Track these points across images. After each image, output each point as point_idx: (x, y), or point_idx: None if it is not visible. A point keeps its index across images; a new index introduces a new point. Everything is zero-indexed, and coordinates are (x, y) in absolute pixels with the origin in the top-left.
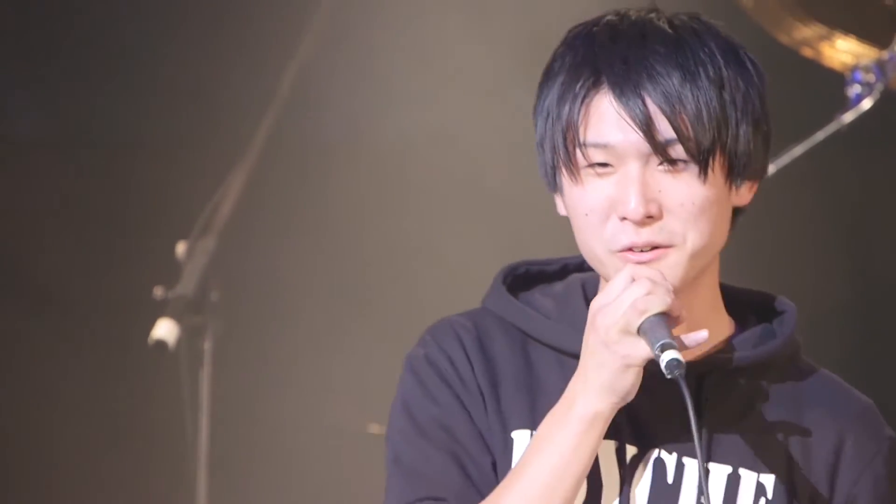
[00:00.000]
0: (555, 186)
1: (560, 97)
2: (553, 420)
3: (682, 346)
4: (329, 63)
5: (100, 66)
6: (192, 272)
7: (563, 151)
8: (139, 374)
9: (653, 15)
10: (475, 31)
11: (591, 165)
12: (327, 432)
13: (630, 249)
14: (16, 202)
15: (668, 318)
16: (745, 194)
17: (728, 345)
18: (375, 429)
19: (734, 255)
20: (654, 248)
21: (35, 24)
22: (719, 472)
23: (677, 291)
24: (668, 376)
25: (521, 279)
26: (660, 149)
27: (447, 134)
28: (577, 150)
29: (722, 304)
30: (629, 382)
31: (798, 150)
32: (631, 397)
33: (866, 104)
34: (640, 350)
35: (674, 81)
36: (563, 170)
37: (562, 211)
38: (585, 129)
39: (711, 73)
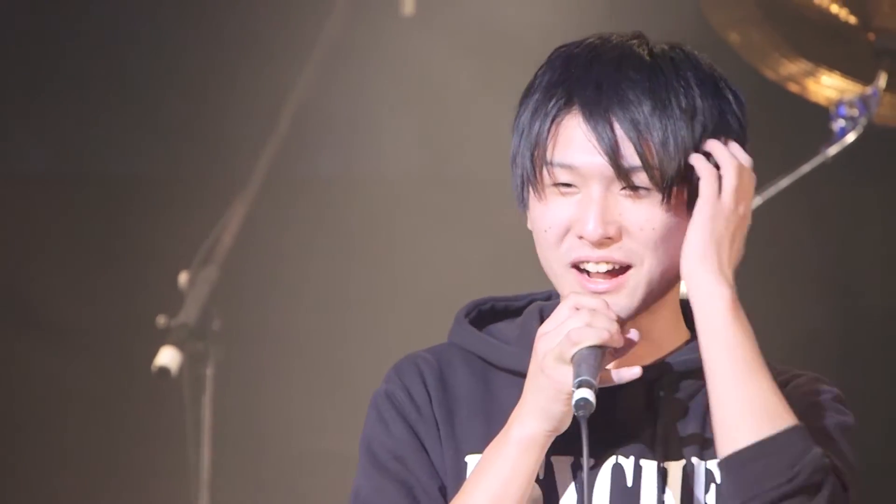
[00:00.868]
0: (522, 202)
1: (532, 114)
2: (494, 443)
3: (607, 379)
4: (326, 101)
5: (104, 99)
6: (194, 301)
7: (529, 168)
8: (143, 399)
9: (635, 41)
10: (470, 70)
11: (556, 185)
12: (327, 456)
13: (586, 272)
14: (23, 234)
15: (602, 351)
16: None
17: (679, 351)
18: None
19: None
20: (611, 271)
21: (37, 59)
22: (675, 468)
23: (637, 314)
24: (575, 414)
25: (489, 314)
26: (623, 174)
27: (441, 171)
28: (544, 168)
29: (681, 318)
30: (562, 409)
31: (784, 182)
32: (565, 425)
33: (850, 138)
34: (571, 379)
35: (644, 109)
36: (530, 186)
37: (529, 225)
38: (553, 148)
39: (684, 103)
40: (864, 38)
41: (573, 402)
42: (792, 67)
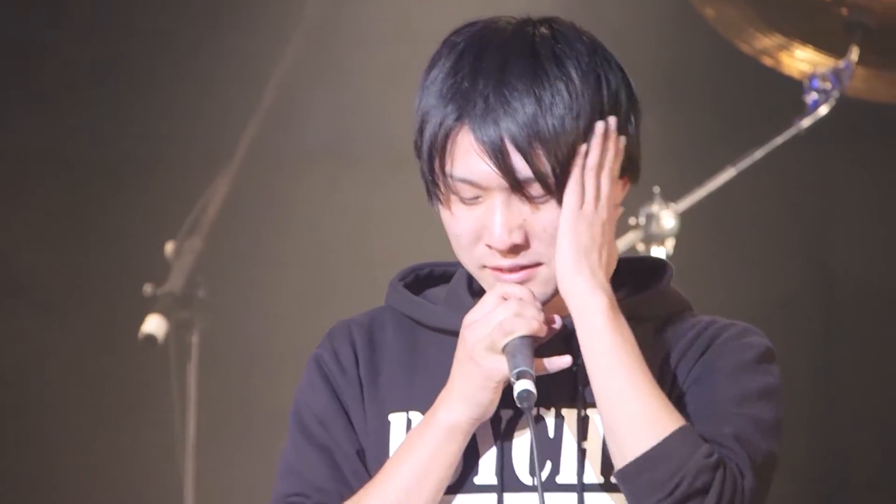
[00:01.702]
0: (430, 200)
1: (427, 122)
2: (419, 426)
3: (540, 368)
4: (310, 75)
5: (89, 75)
6: (180, 270)
7: (430, 179)
8: (130, 366)
9: (519, 34)
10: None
11: (461, 197)
12: None
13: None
14: (11, 209)
15: (533, 340)
16: (617, 194)
17: None
18: None
19: (696, 255)
20: (523, 267)
21: (24, 41)
22: (597, 417)
23: (553, 299)
24: (518, 405)
25: (428, 278)
26: (517, 186)
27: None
28: (446, 179)
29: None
30: (489, 397)
31: (758, 154)
32: (490, 413)
33: (823, 110)
34: (503, 368)
35: (530, 118)
36: (433, 193)
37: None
38: (452, 162)
39: (568, 100)
40: (837, 13)
41: (516, 395)
42: (766, 41)
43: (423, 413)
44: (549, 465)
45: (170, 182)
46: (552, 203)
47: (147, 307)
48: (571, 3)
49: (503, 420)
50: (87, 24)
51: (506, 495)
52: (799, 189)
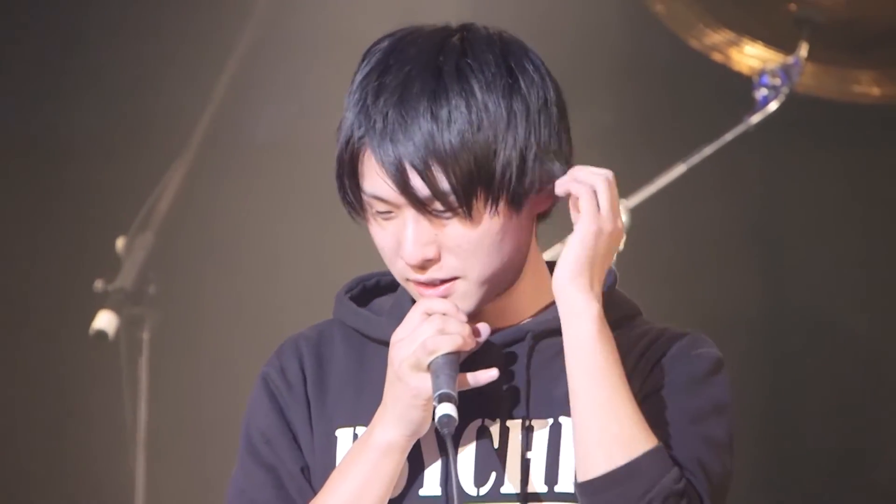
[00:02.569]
0: (349, 212)
1: (342, 139)
2: (357, 445)
3: (465, 383)
4: (263, 67)
5: (41, 64)
6: (132, 266)
7: (342, 194)
8: (80, 362)
9: (431, 45)
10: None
11: (375, 212)
12: None
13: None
14: None
15: (459, 356)
16: (541, 201)
17: (540, 314)
18: None
19: (643, 252)
20: (443, 281)
21: None
22: (541, 426)
23: (480, 309)
24: (439, 431)
25: (374, 288)
26: (419, 204)
27: None
28: (360, 195)
29: (545, 283)
30: (420, 415)
31: (708, 150)
32: (425, 429)
33: (773, 106)
34: (430, 386)
35: (425, 135)
36: (350, 207)
37: None
38: (363, 178)
39: (467, 115)
40: (786, 9)
41: (436, 420)
42: (715, 37)
43: None
44: (493, 475)
45: (121, 176)
46: (459, 218)
47: (98, 303)
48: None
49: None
50: (38, 10)
51: None
52: (749, 185)
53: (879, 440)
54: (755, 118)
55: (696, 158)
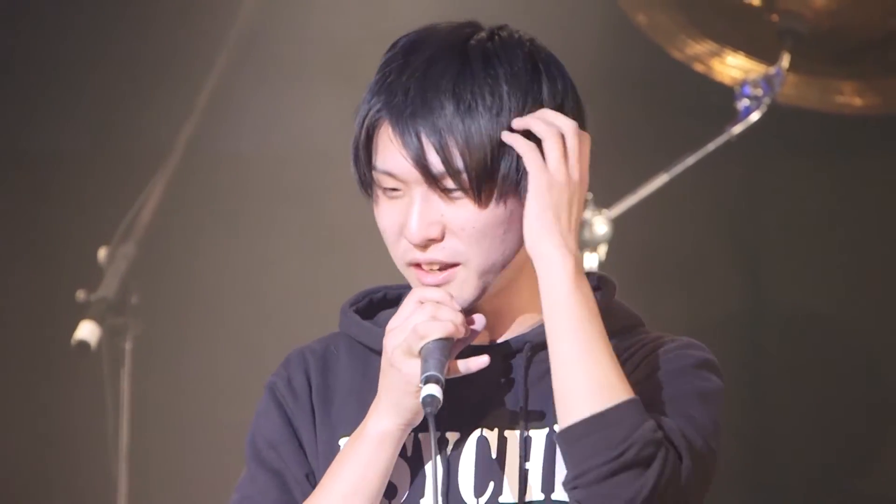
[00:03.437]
0: (362, 190)
1: (359, 118)
2: (352, 437)
3: (455, 369)
4: (244, 78)
5: (24, 77)
6: (113, 276)
7: (356, 173)
8: (62, 373)
9: (457, 34)
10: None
11: (383, 189)
12: (244, 431)
13: (419, 266)
14: None
15: (449, 342)
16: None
17: (540, 324)
18: None
19: (626, 262)
20: (443, 267)
21: None
22: (539, 436)
23: (478, 301)
24: (424, 410)
25: (382, 301)
26: (432, 181)
27: None
28: (371, 172)
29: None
30: (413, 402)
31: (690, 160)
32: (419, 418)
33: (754, 117)
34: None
35: (446, 113)
36: (362, 188)
37: None
38: (376, 154)
39: (489, 101)
40: (768, 19)
41: (420, 399)
42: (698, 48)
43: None
44: (491, 485)
45: (103, 186)
46: (467, 201)
47: (80, 313)
48: (505, 8)
49: (450, 442)
50: (22, 22)
51: None
52: (731, 195)
53: (864, 446)
54: (737, 129)
55: (678, 168)
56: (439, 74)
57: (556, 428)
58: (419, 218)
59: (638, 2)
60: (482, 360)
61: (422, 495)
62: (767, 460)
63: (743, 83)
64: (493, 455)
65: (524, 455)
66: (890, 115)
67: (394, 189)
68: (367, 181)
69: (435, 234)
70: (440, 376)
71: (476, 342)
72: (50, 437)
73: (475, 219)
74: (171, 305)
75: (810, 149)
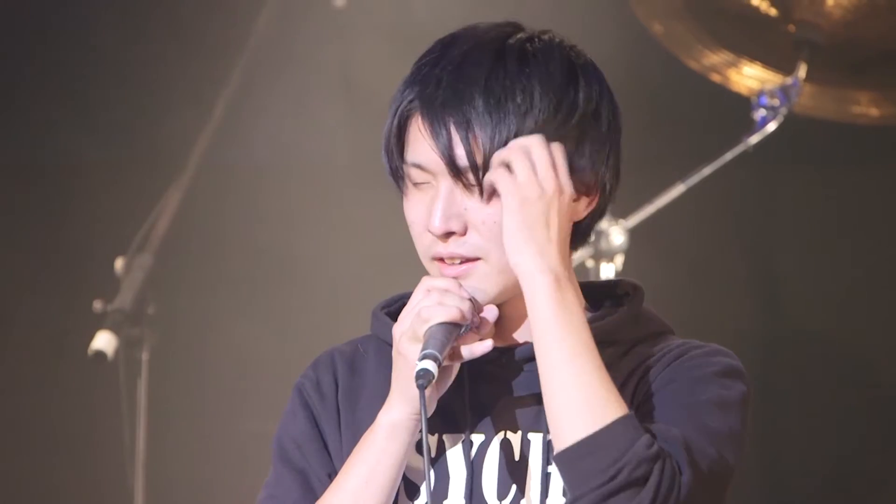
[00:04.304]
0: (396, 184)
1: (392, 108)
2: (367, 431)
3: (458, 354)
4: (259, 91)
5: (41, 89)
6: (130, 286)
7: (387, 164)
8: (79, 383)
9: (497, 34)
10: (400, 61)
11: (412, 181)
12: (260, 439)
13: (442, 260)
14: None
15: (455, 328)
16: (578, 209)
17: None
18: None
19: (642, 271)
20: (464, 261)
21: None
22: None
23: (498, 300)
24: (416, 383)
25: None
26: (457, 173)
27: (369, 156)
28: (401, 165)
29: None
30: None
31: (707, 170)
32: (431, 407)
33: (771, 127)
34: None
35: (476, 107)
36: (393, 180)
37: None
38: (406, 146)
39: (519, 100)
40: (785, 30)
41: (414, 373)
42: (714, 58)
43: None
44: (514, 487)
45: (120, 198)
46: (494, 195)
47: (97, 324)
48: (519, 18)
49: (474, 445)
50: (38, 33)
51: None
52: (747, 205)
53: (874, 456)
54: (754, 139)
55: (694, 179)
56: (473, 67)
57: (554, 449)
58: (442, 210)
59: (654, 11)
60: (485, 345)
61: (445, 496)
62: (779, 468)
63: (759, 93)
64: (517, 458)
65: (546, 459)
66: None
67: (423, 183)
68: (397, 173)
69: (457, 227)
70: (437, 354)
71: (499, 345)
72: (67, 447)
73: (496, 215)
74: (187, 316)
75: (827, 159)
